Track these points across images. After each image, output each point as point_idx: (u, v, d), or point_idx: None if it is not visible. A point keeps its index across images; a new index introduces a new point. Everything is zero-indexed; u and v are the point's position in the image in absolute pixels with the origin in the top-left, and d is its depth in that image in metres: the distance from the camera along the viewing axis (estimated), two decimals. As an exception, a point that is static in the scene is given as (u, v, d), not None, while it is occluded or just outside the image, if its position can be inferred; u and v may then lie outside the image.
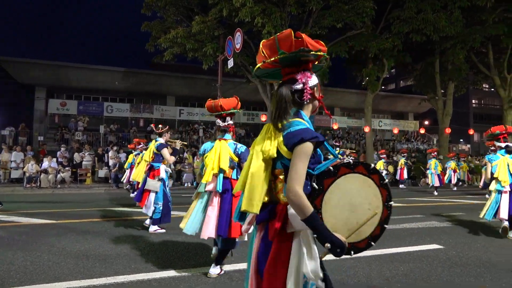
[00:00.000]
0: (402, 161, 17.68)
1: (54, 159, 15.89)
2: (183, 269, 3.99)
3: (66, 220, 7.02)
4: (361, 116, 28.62)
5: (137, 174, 6.56)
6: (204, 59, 18.57)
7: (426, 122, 35.79)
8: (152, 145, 6.29)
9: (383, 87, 33.14)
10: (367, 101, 22.30)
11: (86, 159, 17.36)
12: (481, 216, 5.93)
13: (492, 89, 28.39)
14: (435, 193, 14.26)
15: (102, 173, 17.52)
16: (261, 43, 1.78)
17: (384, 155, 16.66)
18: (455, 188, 16.57)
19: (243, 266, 4.00)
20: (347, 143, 27.59)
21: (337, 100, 32.90)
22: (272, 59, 1.74)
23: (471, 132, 32.76)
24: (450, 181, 16.54)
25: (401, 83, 50.24)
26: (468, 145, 34.63)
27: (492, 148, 6.24)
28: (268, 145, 1.71)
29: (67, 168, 16.11)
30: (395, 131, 30.18)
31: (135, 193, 7.67)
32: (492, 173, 5.89)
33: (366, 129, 22.66)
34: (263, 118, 23.43)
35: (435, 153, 15.69)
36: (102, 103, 25.27)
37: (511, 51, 22.89)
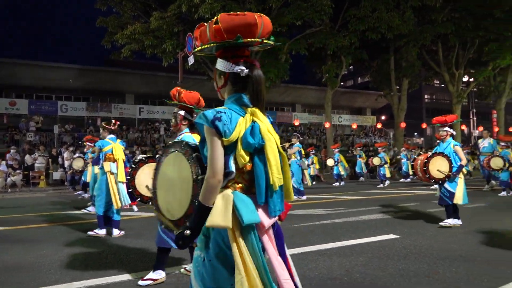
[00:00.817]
0: (364, 155, 18.19)
1: (4, 162, 14.99)
2: (143, 271, 3.89)
3: (17, 227, 6.65)
4: (322, 112, 29.26)
5: (121, 175, 6.02)
6: (163, 56, 18.19)
7: (383, 117, 37.24)
8: (118, 144, 6.08)
9: (342, 83, 34.03)
10: (327, 97, 22.82)
11: (39, 161, 16.51)
12: (461, 202, 6.09)
13: (443, 85, 29.96)
14: (383, 185, 14.82)
15: (57, 175, 16.74)
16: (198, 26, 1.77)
17: (337, 149, 17.04)
18: (408, 180, 17.36)
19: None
20: (308, 139, 28.11)
21: (298, 96, 33.43)
22: (199, 48, 1.79)
23: (424, 126, 34.50)
24: (407, 173, 17.30)
25: (359, 79, 51.83)
26: (422, 138, 36.41)
27: (439, 140, 6.47)
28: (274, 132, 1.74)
29: (18, 171, 15.25)
30: (354, 126, 31.15)
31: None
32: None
33: (327, 125, 23.21)
34: (225, 115, 23.29)
35: (384, 147, 16.42)
36: (55, 102, 24.14)
37: (458, 49, 24.29)
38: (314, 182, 17.40)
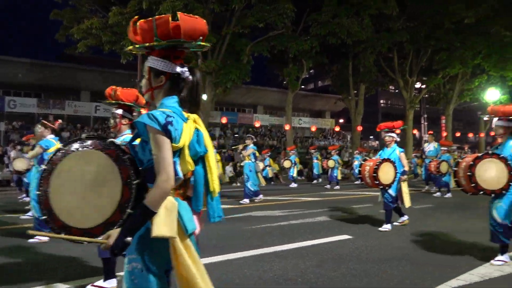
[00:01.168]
0: (320, 157, 18.64)
1: None
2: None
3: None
4: (282, 114, 29.65)
5: None
6: (122, 52, 17.64)
7: (341, 120, 38.36)
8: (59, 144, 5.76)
9: (302, 86, 34.63)
10: (287, 99, 23.15)
11: (-17, 160, 15.44)
12: (410, 204, 6.39)
13: (397, 91, 31.33)
14: (334, 187, 15.24)
15: (2, 175, 15.73)
16: (139, 22, 1.66)
17: (293, 151, 17.37)
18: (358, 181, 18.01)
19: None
20: (269, 140, 28.36)
21: (259, 98, 33.63)
22: (147, 44, 1.67)
23: (379, 129, 35.78)
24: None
25: (319, 83, 53.00)
26: (377, 142, 37.83)
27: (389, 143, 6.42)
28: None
29: (-42, 170, 14.18)
30: (313, 128, 31.83)
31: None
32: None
33: (287, 127, 23.55)
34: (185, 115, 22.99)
35: (336, 150, 16.96)
36: (3, 97, 22.73)
37: (412, 57, 25.52)
38: (272, 182, 17.63)
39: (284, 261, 4.35)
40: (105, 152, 1.57)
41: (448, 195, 11.12)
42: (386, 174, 6.03)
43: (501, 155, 4.09)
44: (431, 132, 15.31)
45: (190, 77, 1.73)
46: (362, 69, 23.79)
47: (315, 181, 18.84)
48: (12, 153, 15.65)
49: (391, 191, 6.15)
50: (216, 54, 18.60)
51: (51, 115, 23.46)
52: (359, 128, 25.76)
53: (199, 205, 1.66)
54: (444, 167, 11.05)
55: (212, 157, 1.69)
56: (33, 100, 23.50)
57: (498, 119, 4.31)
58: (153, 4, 15.88)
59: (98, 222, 1.53)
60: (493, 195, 4.07)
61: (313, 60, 21.74)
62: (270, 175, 17.51)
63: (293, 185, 16.46)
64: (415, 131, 34.03)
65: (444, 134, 31.44)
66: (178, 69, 1.71)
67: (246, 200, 9.84)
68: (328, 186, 15.30)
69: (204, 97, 19.01)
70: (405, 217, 6.46)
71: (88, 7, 18.87)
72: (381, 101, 49.59)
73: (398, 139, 6.47)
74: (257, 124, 28.83)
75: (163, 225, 1.49)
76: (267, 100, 34.15)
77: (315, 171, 18.23)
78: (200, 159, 1.66)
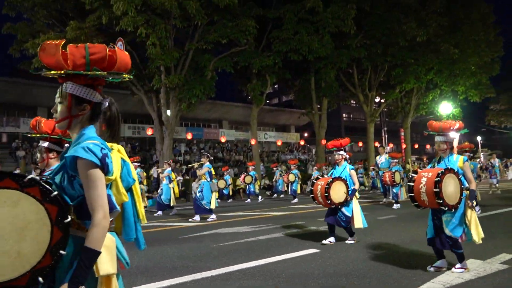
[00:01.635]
0: (279, 172, 18.62)
1: None
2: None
3: None
4: (248, 129, 29.77)
5: None
6: (81, 68, 17.10)
7: (306, 134, 39.05)
8: None
9: (267, 101, 35.13)
10: (252, 114, 23.30)
11: None
12: (362, 226, 6.12)
13: (358, 105, 32.40)
14: (293, 200, 15.37)
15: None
16: (69, 47, 1.54)
17: (252, 167, 17.34)
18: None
19: None
20: (235, 155, 28.30)
21: (224, 113, 33.64)
22: (73, 72, 1.56)
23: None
24: None
25: (283, 98, 53.88)
26: (377, 156, 38.64)
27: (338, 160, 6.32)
28: None
29: None
30: (279, 143, 32.15)
31: None
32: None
33: (253, 142, 23.62)
34: (149, 131, 22.58)
35: (296, 164, 17.24)
36: (-52, 115, 21.26)
37: (370, 72, 26.60)
38: (230, 200, 17.52)
39: (252, 279, 4.29)
40: (25, 191, 1.37)
41: (397, 206, 11.02)
42: (338, 192, 5.95)
43: (455, 170, 4.13)
44: (392, 144, 15.89)
45: (109, 107, 1.66)
46: (324, 84, 24.45)
47: (275, 196, 18.93)
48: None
49: (345, 211, 6.02)
50: (179, 69, 18.48)
51: (4, 134, 22.27)
52: (323, 141, 26.28)
53: (131, 234, 1.66)
54: (397, 177, 11.31)
55: (137, 186, 1.72)
56: (-17, 118, 22.18)
57: (439, 135, 4.35)
58: (113, 19, 15.61)
59: (23, 271, 1.34)
60: (453, 210, 4.06)
61: (276, 75, 22.12)
62: (231, 193, 17.62)
63: (248, 201, 16.61)
64: (376, 144, 35.23)
65: (404, 146, 32.76)
66: (101, 99, 1.64)
67: (196, 218, 9.60)
68: (295, 200, 15.26)
69: (168, 112, 18.75)
70: (352, 240, 6.16)
71: (44, 21, 18.26)
72: (344, 115, 51.11)
73: (347, 156, 6.45)
74: (223, 139, 28.75)
75: (106, 262, 1.44)
76: (232, 115, 34.22)
77: (279, 187, 18.28)
78: (128, 189, 1.66)
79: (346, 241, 6.13)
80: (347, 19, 20.38)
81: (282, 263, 4.93)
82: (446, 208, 4.01)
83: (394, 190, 11.36)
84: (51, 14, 18.06)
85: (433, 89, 29.11)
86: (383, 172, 12.06)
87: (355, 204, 6.11)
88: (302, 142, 34.07)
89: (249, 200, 16.85)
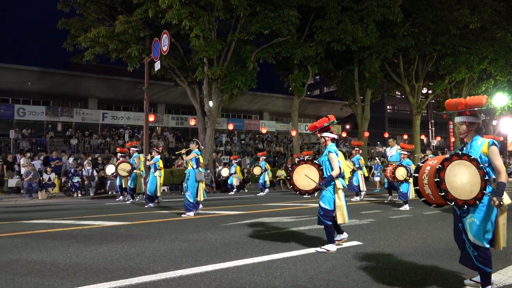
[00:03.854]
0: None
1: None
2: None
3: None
4: (289, 120, 29.67)
5: None
6: (129, 60, 17.83)
7: (348, 126, 38.25)
8: None
9: (308, 92, 34.64)
10: (293, 105, 23.16)
11: (-8, 168, 15.59)
12: (347, 221, 5.25)
13: (403, 96, 31.22)
14: (263, 193, 15.60)
15: (12, 182, 15.87)
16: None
17: (263, 157, 16.40)
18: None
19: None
20: (275, 147, 28.34)
21: (265, 104, 33.72)
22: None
23: (386, 135, 35.71)
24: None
25: (324, 89, 53.05)
26: (384, 147, 37.60)
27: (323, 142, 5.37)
28: None
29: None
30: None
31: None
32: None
33: (293, 133, 23.53)
34: (192, 122, 23.13)
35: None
36: (12, 105, 23.00)
37: (418, 62, 25.47)
38: (232, 192, 17.02)
39: (294, 267, 4.32)
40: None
41: (405, 207, 9.56)
42: (303, 178, 5.05)
43: (472, 157, 3.28)
44: (439, 137, 15.09)
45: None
46: (367, 75, 23.78)
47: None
48: (22, 161, 15.80)
49: (322, 203, 5.03)
50: (222, 61, 18.71)
51: (59, 123, 23.76)
52: (366, 133, 25.66)
53: None
54: (398, 173, 9.71)
55: None
56: (42, 108, 23.76)
57: (459, 115, 3.56)
58: (159, 13, 16.04)
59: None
60: (465, 207, 3.25)
61: (318, 66, 21.77)
62: (235, 183, 17.17)
63: (260, 194, 15.71)
64: (423, 137, 33.82)
65: (452, 139, 31.21)
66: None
67: (190, 214, 8.51)
68: (356, 197, 13.12)
69: (211, 103, 19.09)
70: (344, 235, 5.38)
71: (95, 16, 19.13)
72: (388, 107, 49.46)
73: (335, 136, 5.41)
74: (263, 131, 28.86)
75: None
76: (273, 106, 34.22)
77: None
78: None
79: (318, 249, 5.06)
80: (394, 6, 19.61)
81: (323, 254, 4.92)
82: (464, 206, 3.23)
83: (401, 189, 9.82)
84: (101, 9, 18.89)
85: (486, 80, 27.37)
86: (387, 166, 11.00)
87: (339, 196, 5.06)
88: (344, 134, 33.42)
89: (261, 193, 15.88)
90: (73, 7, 18.81)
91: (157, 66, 15.98)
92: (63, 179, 16.35)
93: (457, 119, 3.55)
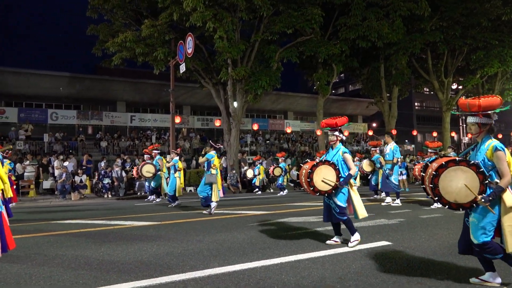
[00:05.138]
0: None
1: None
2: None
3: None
4: (314, 120, 29.43)
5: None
6: (155, 64, 18.20)
7: (374, 124, 37.54)
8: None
9: (333, 91, 34.30)
10: (318, 104, 22.96)
11: (28, 170, 16.29)
12: (366, 215, 5.45)
13: (432, 92, 30.35)
14: (283, 193, 15.61)
15: (47, 184, 16.54)
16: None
17: (282, 158, 16.39)
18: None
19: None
20: (300, 146, 28.18)
21: (290, 104, 33.59)
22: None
23: (414, 133, 34.85)
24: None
25: (350, 87, 52.29)
26: (413, 145, 36.73)
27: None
28: None
29: (6, 180, 15.01)
30: (346, 133, 31.28)
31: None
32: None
33: (318, 132, 23.32)
34: (217, 123, 23.34)
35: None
36: (46, 110, 23.93)
37: (447, 57, 24.68)
38: (259, 192, 17.04)
39: (322, 267, 4.29)
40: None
41: (391, 202, 10.13)
42: (324, 177, 5.16)
43: (472, 162, 3.41)
44: (453, 133, 14.38)
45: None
46: (394, 71, 23.28)
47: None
48: (55, 163, 16.43)
49: (337, 201, 5.22)
50: (245, 61, 18.79)
51: (90, 126, 24.55)
52: (394, 131, 25.09)
53: None
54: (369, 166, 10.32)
55: None
56: (73, 112, 24.62)
57: (472, 115, 3.51)
58: (183, 16, 16.29)
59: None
60: (460, 209, 3.45)
61: (343, 64, 21.48)
62: (257, 183, 17.15)
63: (281, 193, 15.67)
64: (453, 134, 32.75)
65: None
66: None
67: (212, 206, 8.89)
68: (376, 196, 12.98)
69: (235, 104, 19.20)
70: (340, 239, 5.46)
71: (122, 21, 19.63)
72: (416, 104, 48.22)
73: (344, 137, 5.61)
74: (288, 130, 28.76)
75: None
76: (298, 105, 34.04)
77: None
78: None
79: (328, 241, 5.36)
80: (421, 0, 19.09)
81: (351, 254, 4.86)
82: (459, 209, 3.43)
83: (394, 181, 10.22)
84: (127, 14, 19.37)
85: (521, 73, 26.22)
86: (380, 166, 10.96)
87: (354, 193, 5.34)
88: (370, 133, 32.80)
89: (282, 192, 15.85)
90: (101, 13, 19.38)
91: (182, 68, 16.24)
92: (94, 180, 16.88)
93: (470, 120, 3.54)
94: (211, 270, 4.20)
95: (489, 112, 3.44)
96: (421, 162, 10.14)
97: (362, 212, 5.35)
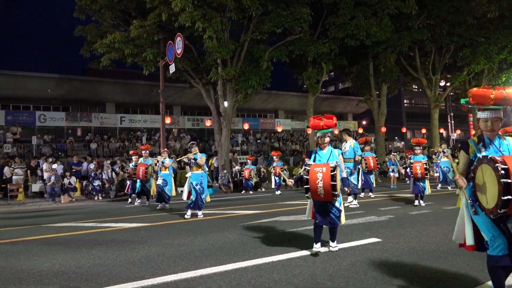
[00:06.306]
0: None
1: (-21, 175, 14.52)
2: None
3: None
4: (304, 118, 29.55)
5: None
6: (144, 64, 18.08)
7: (364, 122, 37.85)
8: None
9: (323, 89, 34.47)
10: (308, 103, 23.04)
11: (17, 173, 16.07)
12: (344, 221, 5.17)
13: (421, 90, 30.69)
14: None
15: (36, 187, 16.33)
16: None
17: (277, 157, 15.64)
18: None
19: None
20: (291, 145, 28.28)
21: (280, 103, 33.68)
22: None
23: (404, 130, 35.20)
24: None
25: (339, 85, 52.58)
26: (402, 142, 37.12)
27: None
28: None
29: (-6, 184, 14.80)
30: (336, 131, 31.46)
31: None
32: None
33: (309, 131, 23.36)
34: (208, 123, 23.31)
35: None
36: (33, 112, 23.65)
37: (434, 54, 24.97)
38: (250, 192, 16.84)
39: (313, 265, 4.33)
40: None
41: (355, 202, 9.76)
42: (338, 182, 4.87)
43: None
44: (459, 130, 14.69)
45: None
46: (383, 69, 23.46)
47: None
48: (44, 166, 16.24)
49: (339, 205, 4.89)
50: (235, 61, 18.78)
51: (79, 128, 24.31)
52: (383, 129, 25.33)
53: None
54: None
55: None
56: (61, 114, 24.35)
57: (494, 109, 3.06)
58: (172, 16, 16.21)
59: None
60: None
61: (333, 62, 21.58)
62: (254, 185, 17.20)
63: (278, 192, 15.38)
64: (442, 130, 33.15)
65: (473, 132, 30.53)
66: None
67: (199, 213, 8.51)
68: (362, 194, 12.61)
69: (226, 104, 19.19)
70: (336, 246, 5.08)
71: (110, 22, 19.42)
72: (405, 101, 48.69)
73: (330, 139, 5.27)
74: (279, 129, 28.85)
75: None
76: (288, 104, 34.14)
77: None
78: None
79: (331, 248, 4.98)
80: (408, -1, 19.27)
81: (342, 251, 4.91)
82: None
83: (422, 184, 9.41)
84: (116, 14, 19.18)
85: (507, 69, 26.63)
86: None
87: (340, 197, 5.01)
88: (360, 130, 33.06)
89: (278, 192, 15.50)
90: (89, 14, 19.18)
91: (172, 68, 16.18)
92: (84, 182, 16.73)
93: (493, 115, 3.05)
94: (203, 271, 4.22)
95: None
96: (415, 160, 9.55)
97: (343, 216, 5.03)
